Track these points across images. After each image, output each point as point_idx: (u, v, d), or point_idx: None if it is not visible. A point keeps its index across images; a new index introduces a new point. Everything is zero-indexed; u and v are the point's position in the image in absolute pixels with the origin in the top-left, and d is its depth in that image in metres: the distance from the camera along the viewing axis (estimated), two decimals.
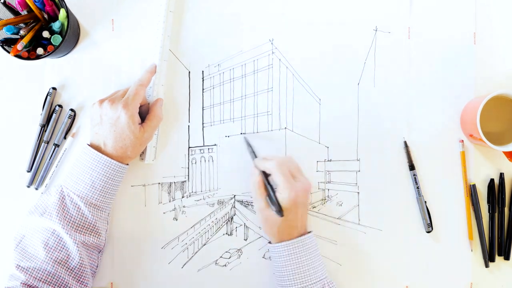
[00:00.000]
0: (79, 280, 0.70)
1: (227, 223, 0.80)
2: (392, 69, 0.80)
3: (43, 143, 0.79)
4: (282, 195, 0.70)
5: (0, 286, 0.67)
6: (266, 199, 0.72)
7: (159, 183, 0.79)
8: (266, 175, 0.73)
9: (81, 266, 0.70)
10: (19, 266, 0.67)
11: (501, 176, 0.80)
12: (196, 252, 0.79)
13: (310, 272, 0.71)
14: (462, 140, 0.79)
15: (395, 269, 0.80)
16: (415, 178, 0.79)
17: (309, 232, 0.73)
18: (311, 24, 0.80)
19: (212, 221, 0.80)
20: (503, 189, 0.80)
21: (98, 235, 0.72)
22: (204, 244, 0.79)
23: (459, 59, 0.80)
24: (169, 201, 0.79)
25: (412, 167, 0.79)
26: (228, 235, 0.80)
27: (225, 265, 0.79)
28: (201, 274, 0.79)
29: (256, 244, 0.80)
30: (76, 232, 0.70)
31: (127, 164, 0.74)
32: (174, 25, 0.80)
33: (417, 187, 0.79)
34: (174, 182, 0.80)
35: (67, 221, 0.69)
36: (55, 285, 0.68)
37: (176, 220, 0.79)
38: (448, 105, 0.80)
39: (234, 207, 0.80)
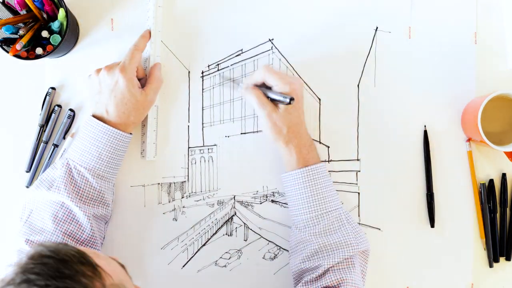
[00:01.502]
0: None
1: (227, 223, 0.80)
2: (392, 69, 0.80)
3: (42, 143, 0.78)
4: (284, 88, 0.70)
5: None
6: (270, 101, 0.72)
7: (158, 184, 0.79)
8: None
9: (92, 238, 0.70)
10: (29, 240, 0.67)
11: (503, 176, 0.79)
12: (196, 253, 0.79)
13: (326, 200, 0.71)
14: (469, 139, 0.79)
15: (395, 269, 0.79)
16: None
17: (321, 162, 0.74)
18: (311, 23, 0.80)
19: (212, 222, 0.79)
20: (505, 190, 0.79)
21: (107, 206, 0.73)
22: (204, 245, 0.79)
23: (460, 59, 0.80)
24: (169, 202, 0.79)
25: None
26: (228, 235, 0.80)
27: (225, 266, 0.79)
28: (201, 274, 0.79)
29: (256, 244, 0.79)
30: (85, 204, 0.70)
31: (131, 134, 0.74)
32: (173, 24, 0.79)
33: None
34: (174, 183, 0.79)
35: (76, 194, 0.69)
36: None
37: (176, 220, 0.79)
38: (449, 105, 0.80)
39: (234, 207, 0.80)
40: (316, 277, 0.68)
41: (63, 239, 0.68)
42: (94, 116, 0.72)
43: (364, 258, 0.73)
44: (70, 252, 0.48)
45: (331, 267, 0.69)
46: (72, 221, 0.69)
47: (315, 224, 0.71)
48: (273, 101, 0.72)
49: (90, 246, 0.70)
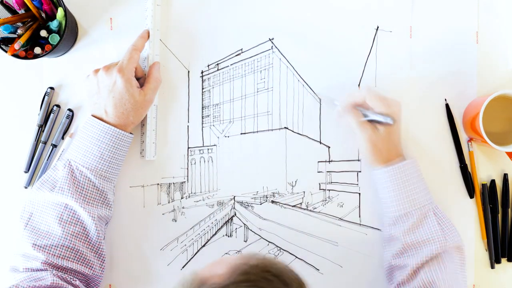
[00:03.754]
0: (96, 253, 0.70)
1: (226, 224, 0.79)
2: (393, 69, 0.80)
3: (40, 144, 0.78)
4: (386, 110, 0.71)
5: (1, 280, 0.67)
6: (369, 123, 0.73)
7: (158, 184, 0.79)
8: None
9: (98, 238, 0.70)
10: (35, 245, 0.67)
11: (505, 176, 0.79)
12: (195, 254, 0.79)
13: (414, 197, 0.72)
14: (471, 139, 0.78)
15: None
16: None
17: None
18: (311, 23, 0.80)
19: (212, 223, 0.79)
20: (507, 190, 0.79)
21: (109, 207, 0.73)
22: (204, 246, 0.79)
23: (461, 58, 0.80)
24: (168, 202, 0.79)
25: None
26: (228, 236, 0.79)
27: None
28: None
29: (256, 245, 0.79)
30: (89, 205, 0.70)
31: (132, 134, 0.74)
32: (173, 24, 0.79)
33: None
34: (173, 183, 0.79)
35: (80, 195, 0.69)
36: (76, 260, 0.68)
37: (175, 221, 0.79)
38: (450, 105, 0.79)
39: (234, 208, 0.79)
40: (406, 279, 0.69)
41: (72, 241, 0.68)
42: (93, 114, 0.72)
43: (459, 253, 0.72)
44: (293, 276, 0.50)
45: (419, 267, 0.69)
46: (78, 222, 0.69)
47: (404, 221, 0.72)
48: (371, 121, 0.73)
49: (97, 247, 0.70)
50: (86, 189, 0.70)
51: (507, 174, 0.79)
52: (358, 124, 0.73)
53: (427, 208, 0.72)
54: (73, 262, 0.68)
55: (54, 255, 0.67)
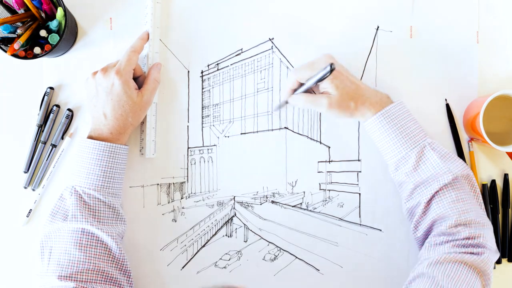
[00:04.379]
0: (121, 269, 0.70)
1: (226, 224, 0.79)
2: (393, 69, 0.79)
3: (40, 144, 0.78)
4: (318, 67, 0.70)
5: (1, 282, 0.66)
6: (319, 91, 0.73)
7: (158, 184, 0.79)
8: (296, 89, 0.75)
9: (121, 255, 0.70)
10: (61, 276, 0.65)
11: (505, 177, 0.79)
12: (195, 254, 0.79)
13: (407, 138, 0.72)
14: (471, 139, 0.78)
15: (397, 271, 0.79)
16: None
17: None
18: (311, 23, 0.80)
19: (212, 223, 0.79)
20: (508, 190, 0.79)
21: (123, 221, 0.73)
22: (204, 246, 0.79)
23: (461, 58, 0.80)
24: (168, 202, 0.79)
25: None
26: (228, 236, 0.79)
27: (224, 267, 0.79)
28: (201, 276, 0.78)
29: (256, 246, 0.79)
30: (105, 225, 0.69)
31: (127, 146, 0.73)
32: (173, 24, 0.79)
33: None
34: (173, 183, 0.79)
35: (93, 217, 0.69)
36: (104, 281, 0.67)
37: (175, 221, 0.79)
38: (451, 105, 0.79)
39: (234, 208, 0.79)
40: (421, 214, 0.71)
41: (95, 263, 0.67)
42: (92, 121, 0.72)
43: (468, 181, 0.72)
44: None
45: (429, 200, 0.70)
46: (98, 244, 0.68)
47: (404, 164, 0.72)
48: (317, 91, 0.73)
49: (121, 264, 0.69)
50: (98, 210, 0.70)
51: (507, 174, 0.79)
52: (308, 101, 0.73)
53: (422, 145, 0.72)
54: (101, 283, 0.67)
55: (82, 280, 0.65)
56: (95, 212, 0.69)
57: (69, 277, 0.65)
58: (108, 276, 0.67)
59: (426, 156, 0.71)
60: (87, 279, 0.66)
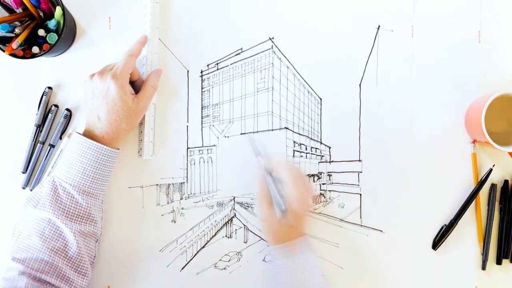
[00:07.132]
0: (77, 270, 0.69)
1: (226, 225, 0.79)
2: (395, 68, 0.79)
3: (38, 144, 0.77)
4: (295, 207, 0.70)
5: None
6: (271, 199, 0.72)
7: (157, 185, 0.78)
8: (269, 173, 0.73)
9: (79, 255, 0.69)
10: (15, 258, 0.66)
11: (505, 183, 0.78)
12: (195, 255, 0.78)
13: (303, 276, 0.70)
14: (475, 141, 0.78)
15: (397, 271, 0.78)
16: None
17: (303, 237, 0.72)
18: (312, 22, 0.79)
19: (211, 224, 0.78)
20: (508, 191, 0.78)
21: (94, 223, 0.71)
22: (203, 247, 0.78)
23: (463, 58, 0.79)
24: (167, 203, 0.78)
25: None
26: (228, 237, 0.79)
27: (224, 268, 0.78)
28: (200, 277, 0.78)
29: (256, 247, 0.78)
30: (71, 221, 0.69)
31: (118, 149, 0.73)
32: (172, 24, 0.78)
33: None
34: (173, 184, 0.78)
35: (61, 211, 0.69)
36: (54, 275, 0.67)
37: (175, 222, 0.78)
38: (452, 105, 0.79)
39: (234, 209, 0.79)
40: None
41: (51, 256, 0.67)
42: (87, 122, 0.72)
43: None
44: None
45: None
46: (59, 237, 0.68)
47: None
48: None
49: (77, 264, 0.69)
50: (68, 205, 0.69)
51: (507, 177, 0.79)
52: (260, 192, 0.73)
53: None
54: (51, 277, 0.67)
55: (32, 268, 0.66)
56: (65, 207, 0.69)
57: (22, 261, 0.66)
58: (60, 272, 0.67)
59: None
60: (38, 268, 0.66)
